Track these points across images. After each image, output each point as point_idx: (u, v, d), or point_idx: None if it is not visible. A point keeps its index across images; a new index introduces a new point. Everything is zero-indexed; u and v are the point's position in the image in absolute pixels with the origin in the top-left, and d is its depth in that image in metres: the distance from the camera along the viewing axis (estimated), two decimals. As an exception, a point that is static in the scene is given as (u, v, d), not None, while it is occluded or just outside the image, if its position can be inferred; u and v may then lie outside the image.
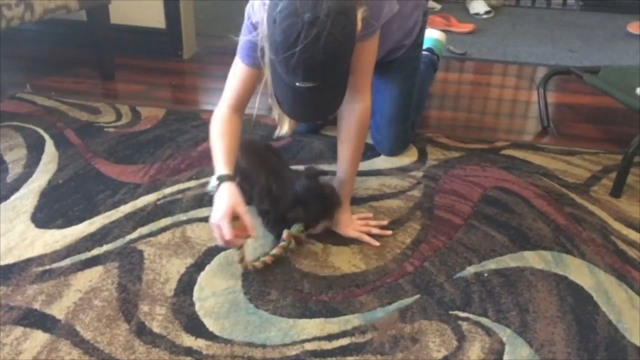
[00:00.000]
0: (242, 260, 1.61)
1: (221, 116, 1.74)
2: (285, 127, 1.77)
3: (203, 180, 2.05)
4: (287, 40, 1.36)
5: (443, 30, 2.99)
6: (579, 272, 1.68)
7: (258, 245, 1.74)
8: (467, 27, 4.10)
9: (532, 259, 1.73)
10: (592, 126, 2.70)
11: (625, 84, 2.36)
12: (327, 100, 1.54)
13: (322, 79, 1.41)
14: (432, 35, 2.79)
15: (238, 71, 1.72)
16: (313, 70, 1.39)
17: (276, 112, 1.73)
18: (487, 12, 4.52)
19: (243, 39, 1.67)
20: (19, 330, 1.41)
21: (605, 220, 1.92)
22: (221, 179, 1.60)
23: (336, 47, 1.39)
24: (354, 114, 1.73)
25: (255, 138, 2.09)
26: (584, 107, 2.93)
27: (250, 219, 1.55)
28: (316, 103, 1.52)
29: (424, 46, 2.68)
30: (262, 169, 1.84)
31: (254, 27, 1.61)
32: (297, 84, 1.41)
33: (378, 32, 1.69)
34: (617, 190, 2.05)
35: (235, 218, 1.54)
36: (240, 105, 1.75)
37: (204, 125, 2.48)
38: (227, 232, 1.51)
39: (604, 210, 1.97)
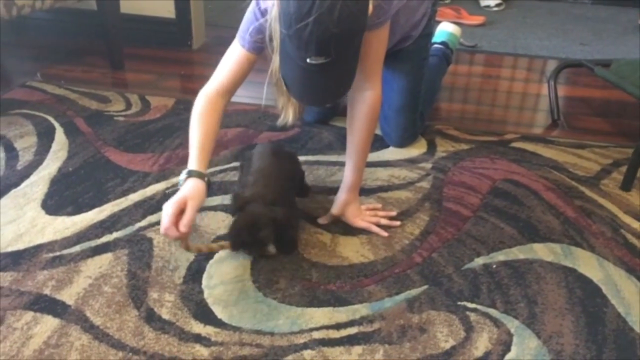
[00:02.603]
0: (186, 247, 1.58)
1: (206, 96, 1.73)
2: (289, 116, 1.76)
3: (211, 170, 2.06)
4: (300, 11, 1.35)
5: (454, 22, 2.99)
6: (588, 264, 1.68)
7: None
8: (478, 19, 4.09)
9: (541, 251, 1.73)
10: (603, 119, 2.69)
11: (637, 77, 2.35)
12: (337, 81, 1.52)
13: (334, 53, 1.39)
14: (447, 29, 2.79)
15: (236, 55, 1.72)
16: (325, 43, 1.37)
17: (280, 101, 1.73)
18: (497, 5, 4.51)
19: (246, 24, 1.67)
20: (29, 315, 1.42)
21: (615, 214, 1.92)
22: (190, 174, 1.59)
23: (350, 19, 1.37)
24: (365, 102, 1.73)
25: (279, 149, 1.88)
26: (595, 100, 2.93)
27: (191, 217, 1.50)
28: (325, 84, 1.50)
29: (439, 40, 2.69)
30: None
31: (262, 13, 1.61)
32: (308, 60, 1.39)
33: (389, 21, 1.69)
34: (627, 184, 2.05)
35: None
36: (229, 89, 1.75)
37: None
38: (166, 219, 1.48)
39: (614, 204, 1.97)
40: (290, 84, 1.55)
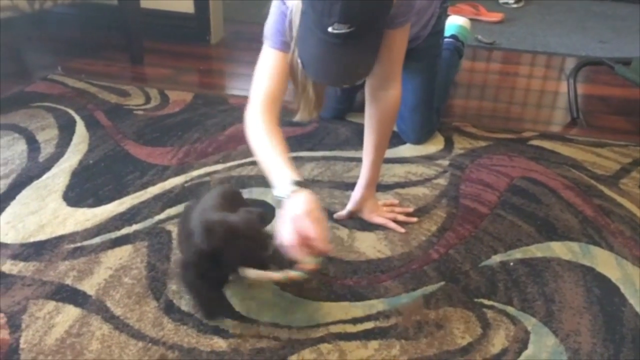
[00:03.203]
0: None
1: (258, 123, 1.59)
2: (305, 113, 1.74)
3: (230, 164, 2.08)
4: None
5: (471, 19, 2.99)
6: (606, 264, 1.68)
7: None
8: (496, 16, 4.09)
9: (559, 249, 1.73)
10: (623, 118, 2.69)
11: (656, 76, 2.35)
12: (357, 59, 1.49)
13: (358, 22, 1.37)
14: (456, 22, 2.79)
15: (270, 59, 1.64)
16: (351, 9, 1.36)
17: (297, 98, 1.72)
18: (516, 2, 4.51)
19: (274, 25, 1.63)
20: (51, 305, 1.44)
21: (634, 213, 1.92)
22: (299, 184, 1.43)
23: None
24: (385, 101, 1.73)
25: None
26: (615, 98, 2.92)
27: (327, 228, 1.41)
28: (345, 60, 1.46)
29: (449, 33, 2.68)
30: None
31: (284, 3, 1.60)
32: (330, 29, 1.37)
33: (410, 22, 1.69)
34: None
35: None
36: (276, 96, 1.63)
37: (231, 110, 2.51)
38: (311, 229, 1.34)
39: (633, 203, 1.97)
40: (308, 63, 1.52)
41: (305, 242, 1.35)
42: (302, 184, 1.43)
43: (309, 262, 1.36)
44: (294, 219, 1.36)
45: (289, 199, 1.41)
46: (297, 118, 1.75)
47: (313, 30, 1.43)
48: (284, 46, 1.61)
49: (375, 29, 1.47)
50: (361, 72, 1.55)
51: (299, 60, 1.56)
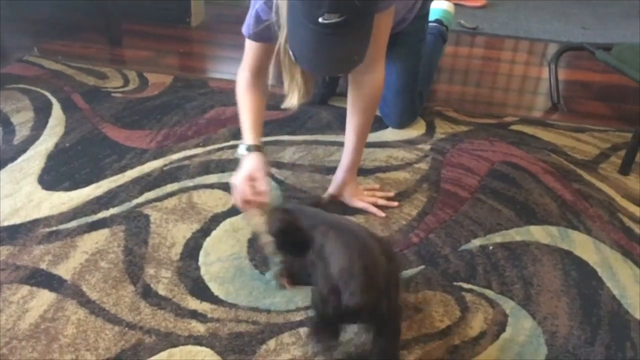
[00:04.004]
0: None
1: (244, 75, 1.79)
2: (294, 99, 1.73)
3: (210, 148, 2.07)
4: None
5: (455, 4, 2.98)
6: (584, 247, 1.70)
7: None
8: (479, 1, 4.08)
9: (538, 233, 1.74)
10: (603, 104, 2.70)
11: (638, 62, 2.35)
12: (350, 48, 1.48)
13: (348, 10, 1.36)
14: (441, 7, 2.78)
15: (251, 47, 1.75)
16: None
17: (286, 84, 1.72)
18: (499, -13, 4.50)
19: (247, 19, 1.69)
20: (25, 289, 1.43)
21: (612, 197, 1.93)
22: (250, 149, 1.70)
23: None
24: (369, 85, 1.73)
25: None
26: (595, 84, 2.93)
27: (265, 184, 1.60)
28: (338, 49, 1.46)
29: (433, 17, 2.67)
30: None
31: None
32: (321, 19, 1.36)
33: (394, 6, 1.68)
34: (625, 168, 2.06)
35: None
36: (260, 70, 1.77)
37: (212, 93, 2.50)
38: (241, 193, 1.60)
39: (612, 188, 1.98)
40: (299, 54, 1.50)
41: (247, 203, 1.59)
42: (253, 148, 1.70)
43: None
44: (237, 184, 1.62)
45: (241, 161, 1.69)
46: (286, 104, 1.73)
47: (303, 23, 1.40)
48: (260, 38, 1.69)
49: (366, 15, 1.45)
50: (356, 59, 1.53)
51: (288, 48, 1.54)
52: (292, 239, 1.36)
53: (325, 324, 1.24)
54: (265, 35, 1.63)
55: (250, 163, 1.67)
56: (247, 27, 1.70)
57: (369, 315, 1.18)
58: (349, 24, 1.38)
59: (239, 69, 1.80)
